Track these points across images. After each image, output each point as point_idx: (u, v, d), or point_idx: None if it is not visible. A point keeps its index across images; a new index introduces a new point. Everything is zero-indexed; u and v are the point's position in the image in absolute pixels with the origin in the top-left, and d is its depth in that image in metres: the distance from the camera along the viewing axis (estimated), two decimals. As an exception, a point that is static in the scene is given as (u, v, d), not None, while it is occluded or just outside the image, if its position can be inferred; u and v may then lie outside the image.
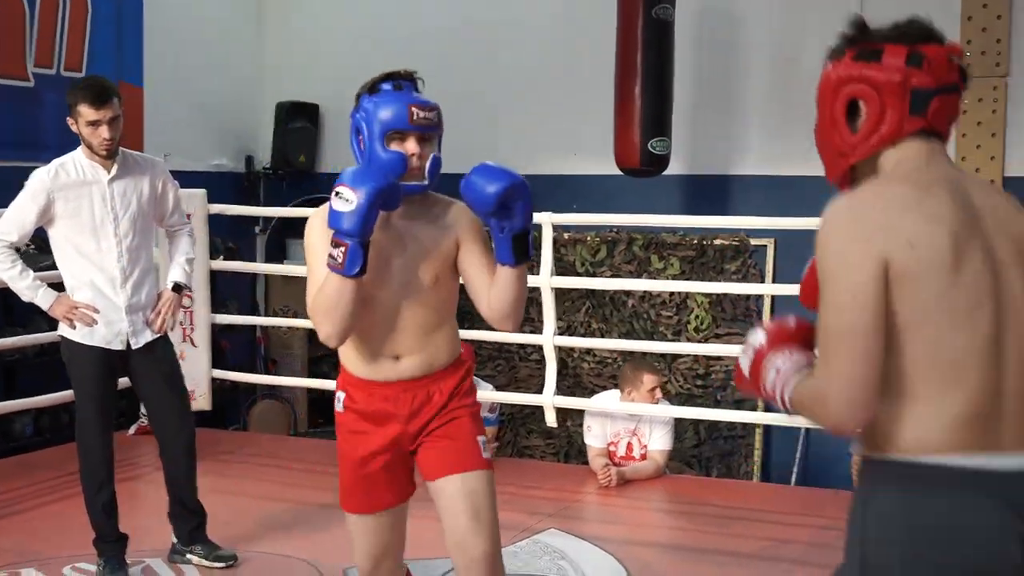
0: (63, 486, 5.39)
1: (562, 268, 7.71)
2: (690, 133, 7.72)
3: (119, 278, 4.22)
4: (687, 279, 7.66)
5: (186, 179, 6.83)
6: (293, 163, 8.85)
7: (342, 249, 2.77)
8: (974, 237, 1.97)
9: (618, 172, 7.30)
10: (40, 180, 4.16)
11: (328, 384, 7.90)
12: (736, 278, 7.65)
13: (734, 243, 7.66)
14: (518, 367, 8.14)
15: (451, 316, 3.07)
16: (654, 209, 7.05)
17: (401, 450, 3.05)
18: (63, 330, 4.24)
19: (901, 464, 1.98)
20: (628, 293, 7.87)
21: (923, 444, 1.96)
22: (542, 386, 6.18)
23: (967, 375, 1.95)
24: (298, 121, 8.86)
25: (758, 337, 2.28)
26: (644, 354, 6.88)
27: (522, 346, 7.74)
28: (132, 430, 6.59)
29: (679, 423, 6.60)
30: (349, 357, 3.05)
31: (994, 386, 1.95)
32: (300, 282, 9.01)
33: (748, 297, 7.61)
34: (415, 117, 2.91)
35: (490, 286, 2.95)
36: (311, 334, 9.10)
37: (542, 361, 6.30)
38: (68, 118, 4.15)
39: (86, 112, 4.08)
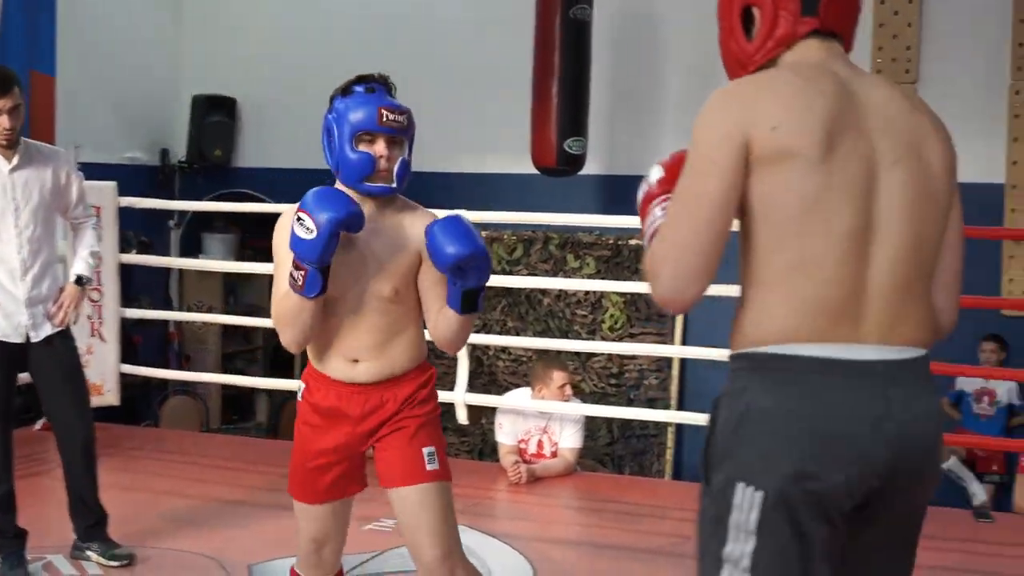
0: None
1: (478, 266, 7.70)
2: (607, 133, 7.77)
3: (19, 270, 4.14)
4: (602, 278, 7.71)
5: (99, 171, 6.75)
6: (209, 157, 8.77)
7: (302, 273, 2.82)
8: (850, 131, 1.93)
9: (535, 171, 7.33)
10: (-61, 170, 4.08)
11: (242, 380, 7.88)
12: (651, 278, 7.70)
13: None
14: (434, 364, 8.11)
15: (414, 324, 3.08)
16: (570, 208, 7.09)
17: (351, 450, 3.09)
18: (-40, 322, 4.16)
19: (757, 356, 1.96)
20: (544, 292, 7.91)
21: (775, 334, 1.93)
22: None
23: (818, 267, 1.91)
24: (215, 115, 8.77)
25: (655, 173, 2.18)
26: (559, 352, 6.91)
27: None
28: (38, 425, 6.47)
29: (592, 422, 6.65)
30: (312, 352, 3.10)
31: (852, 280, 1.92)
32: (214, 277, 9.00)
33: (662, 297, 7.65)
34: (384, 119, 2.94)
35: (439, 310, 2.98)
36: (225, 329, 9.05)
37: (456, 359, 6.30)
38: (-31, 108, 4.06)
39: (-15, 101, 4.00)
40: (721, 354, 5.89)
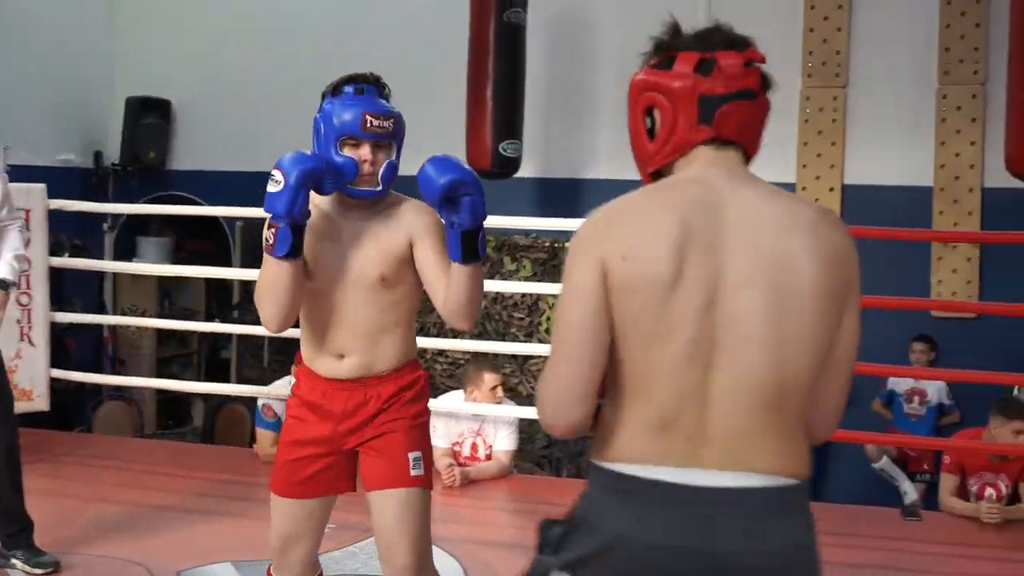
0: None
1: (415, 269, 7.70)
2: (542, 136, 7.80)
3: (-61, 274, 4.09)
4: (539, 281, 7.73)
5: (31, 174, 6.67)
6: (143, 160, 8.69)
7: (273, 231, 2.86)
8: (700, 251, 1.90)
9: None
10: None
11: (176, 385, 7.82)
12: (587, 280, 7.74)
13: (585, 246, 7.75)
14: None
15: (403, 321, 3.08)
16: (506, 211, 7.07)
17: (334, 445, 3.08)
18: None
19: (598, 469, 1.96)
20: (481, 294, 7.91)
21: (616, 452, 1.93)
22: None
23: (656, 389, 1.90)
24: (149, 117, 8.70)
25: None
26: (494, 355, 6.92)
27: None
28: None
29: (531, 425, 6.65)
30: (303, 347, 3.11)
31: (692, 403, 1.89)
32: (149, 281, 8.92)
33: (598, 299, 7.70)
34: (368, 124, 2.94)
35: (446, 284, 2.96)
36: (160, 333, 8.97)
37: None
38: None
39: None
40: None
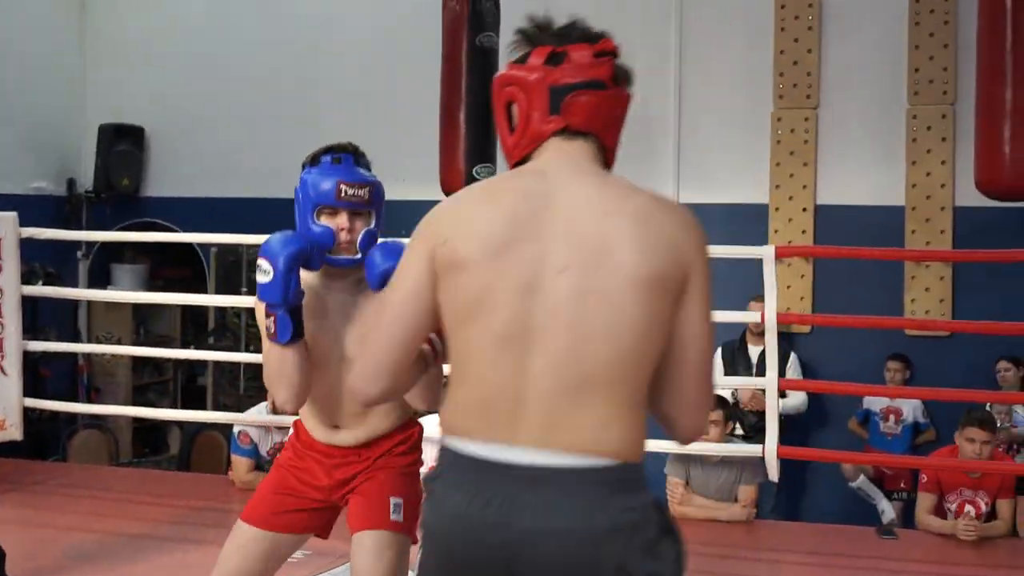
0: None
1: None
2: (516, 160, 7.82)
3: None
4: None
5: (3, 203, 6.64)
6: (116, 187, 8.67)
7: (272, 319, 2.88)
8: (523, 237, 1.98)
9: (444, 198, 7.33)
10: None
11: (151, 412, 7.78)
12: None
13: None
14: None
15: None
16: (480, 234, 7.10)
17: (322, 494, 3.10)
18: None
19: (440, 441, 2.07)
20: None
21: (447, 426, 2.04)
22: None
23: (477, 368, 1.98)
24: (122, 144, 8.69)
25: None
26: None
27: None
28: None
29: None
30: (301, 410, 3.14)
31: (510, 382, 1.95)
32: (124, 308, 8.88)
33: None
34: (343, 194, 2.96)
35: None
36: (135, 361, 8.93)
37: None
38: None
39: None
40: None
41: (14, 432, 6.34)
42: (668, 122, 7.57)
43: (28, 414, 6.48)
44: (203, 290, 8.54)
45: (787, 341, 6.98)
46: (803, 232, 7.51)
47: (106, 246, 8.72)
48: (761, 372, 5.84)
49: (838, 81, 7.48)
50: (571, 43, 2.08)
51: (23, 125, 8.34)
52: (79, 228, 8.59)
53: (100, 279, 8.85)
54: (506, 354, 1.95)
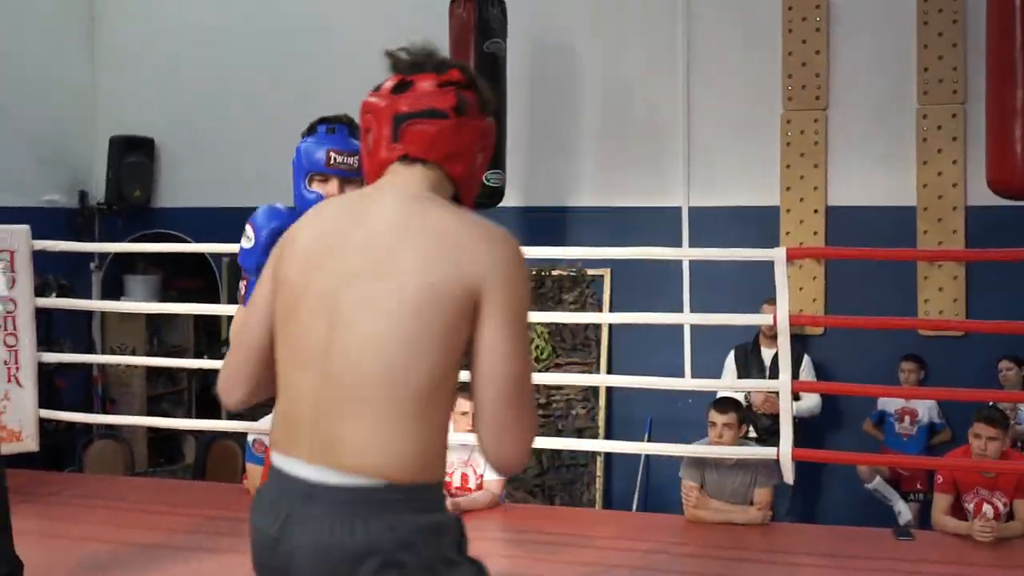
0: None
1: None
2: (525, 166, 7.83)
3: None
4: (527, 310, 7.72)
5: (16, 215, 6.67)
6: (128, 198, 8.70)
7: (244, 283, 3.04)
8: (332, 253, 2.04)
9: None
10: None
11: (166, 422, 7.78)
12: (574, 308, 7.76)
13: (571, 273, 7.77)
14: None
15: None
16: (491, 241, 7.11)
17: None
18: None
19: None
20: (469, 324, 7.90)
21: (270, 437, 2.15)
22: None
23: (285, 383, 2.08)
24: (133, 155, 8.72)
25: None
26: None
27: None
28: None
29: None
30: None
31: (305, 395, 2.01)
32: (137, 319, 8.90)
33: (587, 326, 7.72)
34: (332, 161, 3.10)
35: None
36: (150, 371, 8.95)
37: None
38: None
39: None
40: (648, 382, 5.95)
41: (30, 443, 6.37)
42: (677, 126, 7.56)
43: (44, 425, 6.50)
44: (216, 300, 8.56)
45: (800, 343, 6.98)
46: (815, 234, 7.50)
47: (119, 257, 8.75)
48: (774, 375, 5.82)
49: (847, 82, 7.47)
50: (420, 73, 2.12)
51: (35, 138, 8.37)
52: (91, 240, 8.63)
53: (113, 290, 8.87)
54: (301, 369, 2.03)
